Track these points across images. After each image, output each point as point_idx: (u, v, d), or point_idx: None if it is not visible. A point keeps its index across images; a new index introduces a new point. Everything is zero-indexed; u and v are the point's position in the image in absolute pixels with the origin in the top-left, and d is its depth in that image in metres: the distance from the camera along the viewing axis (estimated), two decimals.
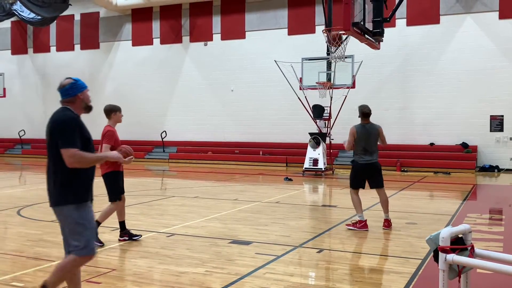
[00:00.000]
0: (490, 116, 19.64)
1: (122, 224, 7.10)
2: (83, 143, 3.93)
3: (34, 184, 15.17)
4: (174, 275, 5.44)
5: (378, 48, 10.46)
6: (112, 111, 6.87)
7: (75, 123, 3.93)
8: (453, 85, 19.90)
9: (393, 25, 20.82)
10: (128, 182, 15.42)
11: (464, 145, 19.80)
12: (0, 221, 8.59)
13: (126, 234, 7.04)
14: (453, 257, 2.70)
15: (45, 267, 5.68)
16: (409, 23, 20.72)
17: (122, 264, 6.03)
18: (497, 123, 19.62)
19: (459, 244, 2.85)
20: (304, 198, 12.30)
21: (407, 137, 20.66)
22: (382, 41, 9.92)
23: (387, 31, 20.57)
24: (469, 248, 2.88)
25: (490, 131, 19.69)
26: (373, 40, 9.33)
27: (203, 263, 5.93)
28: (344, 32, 9.69)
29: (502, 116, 19.51)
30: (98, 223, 6.68)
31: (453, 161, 19.27)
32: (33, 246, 6.80)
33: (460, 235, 2.97)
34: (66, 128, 3.87)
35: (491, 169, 19.24)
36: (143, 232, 7.50)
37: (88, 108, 4.14)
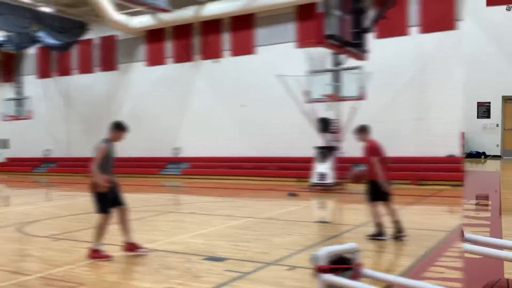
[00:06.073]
0: None
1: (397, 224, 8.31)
2: None
3: (45, 201, 15.62)
4: None
5: (365, 59, 10.41)
6: (366, 131, 8.25)
7: None
8: None
9: (405, 33, 20.48)
10: (136, 198, 15.81)
11: None
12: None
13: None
14: (327, 277, 2.70)
15: (20, 281, 5.91)
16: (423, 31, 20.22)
17: (92, 279, 6.21)
18: None
19: (344, 264, 2.85)
20: (300, 214, 12.13)
21: (423, 149, 20.08)
22: (366, 52, 9.85)
23: (401, 40, 20.56)
24: (354, 268, 2.88)
25: None
26: (356, 52, 9.32)
27: (169, 279, 6.06)
28: (317, 45, 9.71)
29: None
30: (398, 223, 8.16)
31: None
32: (19, 261, 7.08)
33: (347, 255, 2.96)
34: None
35: None
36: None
37: None
